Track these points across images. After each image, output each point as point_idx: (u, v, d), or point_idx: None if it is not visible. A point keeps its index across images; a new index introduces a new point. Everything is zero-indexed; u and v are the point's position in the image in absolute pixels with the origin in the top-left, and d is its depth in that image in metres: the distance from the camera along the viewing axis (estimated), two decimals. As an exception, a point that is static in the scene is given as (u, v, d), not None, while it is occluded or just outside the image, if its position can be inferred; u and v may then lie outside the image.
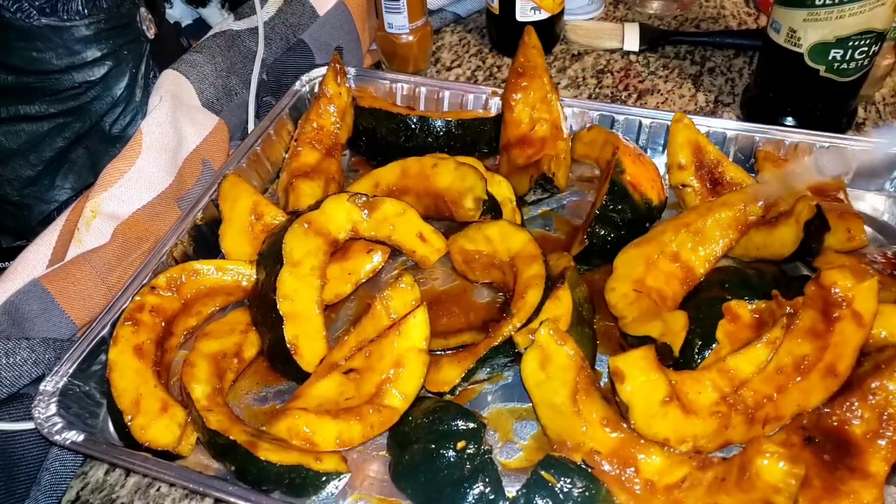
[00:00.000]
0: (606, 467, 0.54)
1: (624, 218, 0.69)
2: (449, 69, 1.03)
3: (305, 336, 0.62)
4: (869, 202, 0.76)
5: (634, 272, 0.65)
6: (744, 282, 0.65)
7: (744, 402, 0.56)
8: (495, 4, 0.99)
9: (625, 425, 0.55)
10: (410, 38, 0.97)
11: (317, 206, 0.67)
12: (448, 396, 0.61)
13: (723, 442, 0.56)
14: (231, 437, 0.55)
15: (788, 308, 0.61)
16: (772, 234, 0.67)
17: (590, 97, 0.96)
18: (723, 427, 0.56)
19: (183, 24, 1.18)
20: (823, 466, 0.53)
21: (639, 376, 0.56)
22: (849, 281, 0.57)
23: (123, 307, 0.64)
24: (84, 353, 0.62)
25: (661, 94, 0.96)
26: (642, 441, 0.55)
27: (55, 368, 0.61)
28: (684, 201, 0.76)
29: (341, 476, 0.57)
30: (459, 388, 0.61)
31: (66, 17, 0.78)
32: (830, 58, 0.76)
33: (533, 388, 0.57)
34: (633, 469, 0.54)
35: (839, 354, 0.56)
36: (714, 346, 0.61)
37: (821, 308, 0.58)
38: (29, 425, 0.62)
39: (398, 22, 0.95)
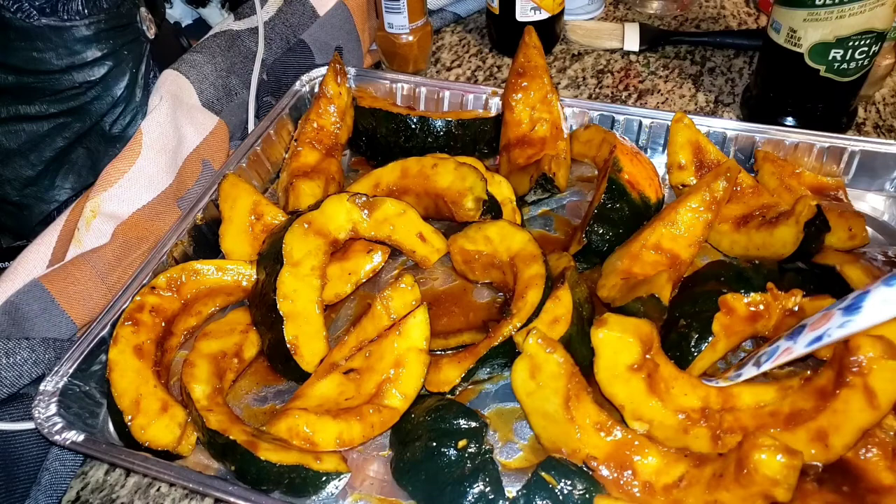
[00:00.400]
0: (604, 472, 0.54)
1: (622, 216, 0.70)
2: (449, 69, 1.03)
3: (305, 336, 0.62)
4: (869, 202, 0.76)
5: (620, 266, 0.66)
6: (739, 275, 0.66)
7: (718, 421, 0.56)
8: (495, 4, 0.99)
9: (618, 428, 0.55)
10: (410, 38, 0.97)
11: (317, 206, 0.67)
12: (448, 396, 0.61)
13: (681, 444, 0.56)
14: (231, 437, 0.55)
15: (783, 300, 0.61)
16: (772, 234, 0.67)
17: (590, 97, 0.96)
18: (682, 430, 0.56)
19: (183, 24, 1.18)
20: (848, 498, 0.52)
21: (616, 331, 0.56)
22: (875, 351, 0.52)
23: (123, 307, 0.64)
24: (84, 353, 0.62)
25: (661, 94, 0.96)
26: (637, 442, 0.55)
27: (55, 368, 0.61)
28: None
29: (341, 476, 0.57)
30: (459, 389, 0.61)
31: (66, 17, 0.78)
32: (830, 58, 0.76)
33: (524, 398, 0.56)
34: (630, 472, 0.54)
35: (836, 426, 0.52)
36: (710, 338, 0.61)
37: (837, 369, 0.54)
38: (29, 425, 0.62)
39: (398, 22, 0.95)
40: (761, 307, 0.62)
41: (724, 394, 0.58)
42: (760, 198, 0.74)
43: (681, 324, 0.63)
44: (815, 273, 0.67)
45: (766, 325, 0.62)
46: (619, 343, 0.56)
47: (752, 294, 0.62)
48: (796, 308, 0.62)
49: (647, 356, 0.57)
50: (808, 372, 0.57)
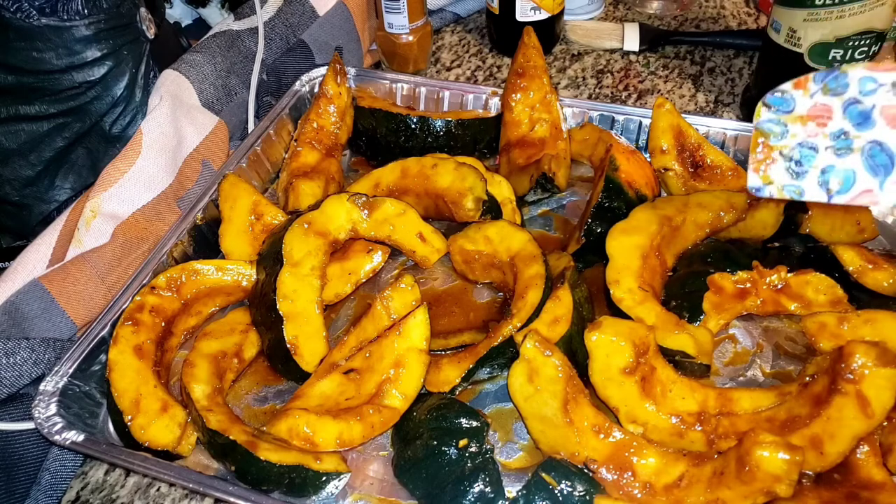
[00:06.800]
0: (605, 474, 0.54)
1: (619, 214, 0.70)
2: (449, 69, 1.03)
3: (305, 336, 0.62)
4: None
5: (633, 264, 0.65)
6: (725, 255, 0.68)
7: (714, 426, 0.56)
8: (495, 4, 0.99)
9: (617, 430, 0.55)
10: (410, 38, 0.97)
11: (317, 206, 0.67)
12: (449, 396, 0.61)
13: (676, 447, 0.56)
14: (231, 437, 0.55)
15: (769, 277, 0.63)
16: (752, 216, 0.68)
17: (590, 97, 0.96)
18: (676, 434, 0.56)
19: (183, 24, 1.18)
20: (843, 495, 0.52)
21: (610, 335, 0.56)
22: (869, 358, 0.51)
23: (123, 307, 0.64)
24: (84, 353, 0.62)
25: (661, 94, 0.96)
26: (635, 443, 0.55)
27: (55, 368, 0.61)
28: (667, 185, 0.77)
29: (341, 476, 0.57)
30: (459, 389, 0.61)
31: (66, 17, 0.78)
32: (830, 58, 0.76)
33: (521, 402, 0.56)
34: (630, 473, 0.54)
35: (830, 433, 0.52)
36: (702, 317, 0.63)
37: (831, 376, 0.54)
38: (29, 425, 0.62)
39: (398, 22, 0.95)
40: (748, 284, 0.64)
41: (723, 398, 0.58)
42: (741, 180, 0.75)
43: (671, 304, 0.65)
44: (798, 250, 0.69)
45: (755, 302, 0.64)
46: (611, 346, 0.56)
47: (738, 272, 0.64)
48: (781, 285, 0.64)
49: (642, 360, 0.57)
50: (808, 379, 0.57)
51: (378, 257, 0.72)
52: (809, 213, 0.69)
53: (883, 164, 0.50)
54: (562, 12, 1.01)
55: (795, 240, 0.70)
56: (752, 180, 0.55)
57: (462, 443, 0.55)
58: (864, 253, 0.65)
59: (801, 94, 0.52)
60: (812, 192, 0.53)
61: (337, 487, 0.57)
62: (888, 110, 0.48)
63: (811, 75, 0.51)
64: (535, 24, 0.94)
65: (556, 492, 0.52)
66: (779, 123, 0.53)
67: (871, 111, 0.48)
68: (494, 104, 0.86)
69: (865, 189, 0.51)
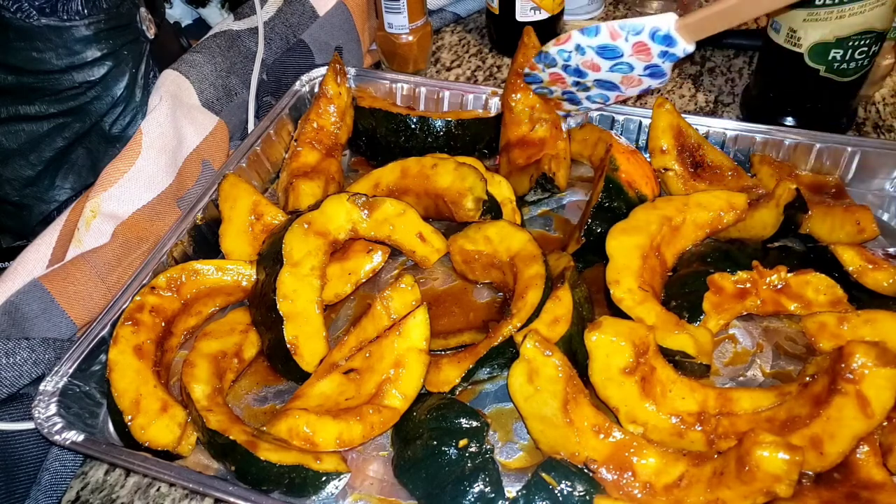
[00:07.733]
0: (605, 474, 0.54)
1: (619, 214, 0.70)
2: (449, 69, 1.03)
3: (305, 336, 0.62)
4: (869, 202, 0.76)
5: (633, 264, 0.65)
6: (726, 255, 0.68)
7: (714, 426, 0.56)
8: (495, 4, 0.99)
9: (617, 430, 0.55)
10: (410, 38, 0.97)
11: (317, 206, 0.67)
12: (449, 396, 0.61)
13: (676, 447, 0.56)
14: (231, 437, 0.55)
15: (769, 277, 0.64)
16: (752, 216, 0.68)
17: (590, 97, 0.96)
18: (676, 434, 0.56)
19: (183, 24, 1.18)
20: (843, 495, 0.52)
21: (610, 335, 0.56)
22: (869, 358, 0.51)
23: (123, 307, 0.64)
24: (84, 353, 0.62)
25: (661, 94, 0.96)
26: (635, 443, 0.55)
27: (55, 368, 0.61)
28: (667, 185, 0.77)
29: (341, 476, 0.57)
30: (459, 389, 0.61)
31: (66, 17, 0.78)
32: (830, 58, 0.76)
33: (521, 402, 0.56)
34: (630, 473, 0.54)
35: (830, 433, 0.52)
36: (701, 317, 0.63)
37: (831, 376, 0.54)
38: (29, 425, 0.62)
39: (398, 22, 0.95)
40: (748, 284, 0.64)
41: (723, 398, 0.58)
42: (741, 180, 0.75)
43: (671, 304, 0.64)
44: (798, 250, 0.69)
45: (755, 302, 0.64)
46: (611, 346, 0.56)
47: (738, 272, 0.64)
48: (781, 285, 0.64)
49: (642, 360, 0.57)
50: (808, 379, 0.57)
51: (378, 257, 0.72)
52: (809, 213, 0.69)
53: (610, 86, 0.75)
54: (562, 12, 1.01)
55: (795, 240, 0.71)
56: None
57: (462, 443, 0.55)
58: (864, 253, 0.65)
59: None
60: (593, 105, 0.79)
61: (337, 487, 0.57)
62: (584, 64, 0.72)
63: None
64: (535, 24, 0.94)
65: (556, 492, 0.52)
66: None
67: (577, 67, 0.73)
68: (494, 104, 0.86)
69: (617, 95, 0.76)
